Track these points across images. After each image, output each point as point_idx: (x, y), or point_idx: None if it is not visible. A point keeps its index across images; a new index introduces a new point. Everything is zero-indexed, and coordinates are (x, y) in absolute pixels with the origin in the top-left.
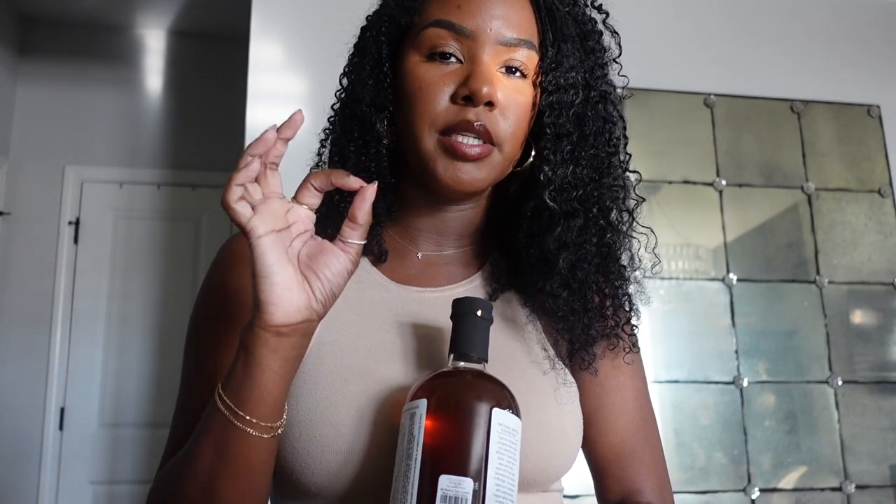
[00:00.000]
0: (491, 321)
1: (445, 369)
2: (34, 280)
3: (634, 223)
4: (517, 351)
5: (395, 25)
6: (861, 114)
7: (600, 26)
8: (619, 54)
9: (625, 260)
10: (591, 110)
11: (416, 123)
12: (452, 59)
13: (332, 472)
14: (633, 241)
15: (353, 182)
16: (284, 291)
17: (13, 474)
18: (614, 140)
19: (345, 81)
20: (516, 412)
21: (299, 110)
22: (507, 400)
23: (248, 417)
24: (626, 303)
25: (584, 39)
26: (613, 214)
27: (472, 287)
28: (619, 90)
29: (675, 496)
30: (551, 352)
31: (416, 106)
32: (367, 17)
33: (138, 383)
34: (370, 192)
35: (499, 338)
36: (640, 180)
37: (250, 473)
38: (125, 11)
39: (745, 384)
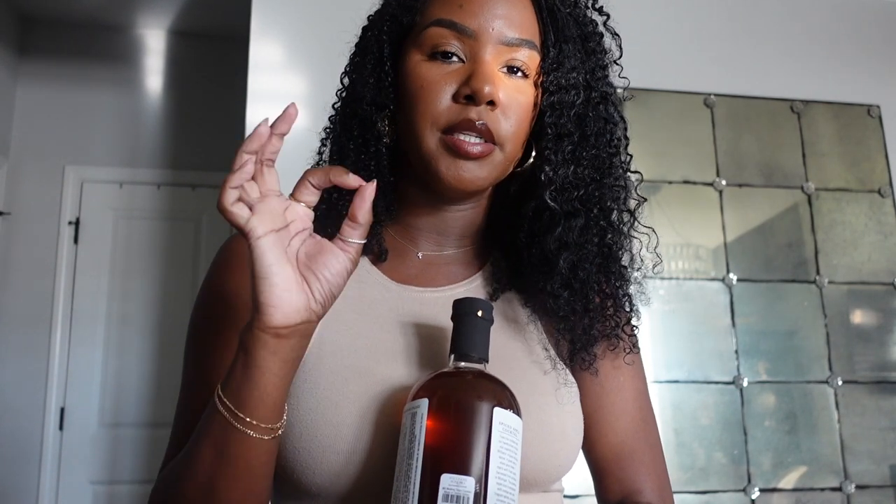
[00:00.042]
0: (492, 321)
1: (446, 369)
2: (34, 280)
3: (636, 223)
4: (518, 351)
5: (396, 24)
6: (861, 114)
7: (601, 28)
8: (620, 56)
9: (625, 260)
10: (592, 111)
11: (417, 122)
12: (454, 59)
13: (333, 473)
14: (635, 241)
15: (352, 180)
16: (283, 293)
17: (13, 474)
18: (615, 141)
19: (346, 80)
20: (517, 412)
21: (292, 104)
22: (508, 399)
23: (247, 419)
24: (627, 303)
25: (585, 41)
26: (614, 215)
27: (473, 287)
28: (620, 91)
29: (675, 496)
30: (552, 352)
31: (417, 105)
32: (368, 17)
33: (138, 383)
34: (369, 191)
35: (499, 338)
36: (641, 181)
37: (251, 475)
38: (125, 11)
39: (745, 384)
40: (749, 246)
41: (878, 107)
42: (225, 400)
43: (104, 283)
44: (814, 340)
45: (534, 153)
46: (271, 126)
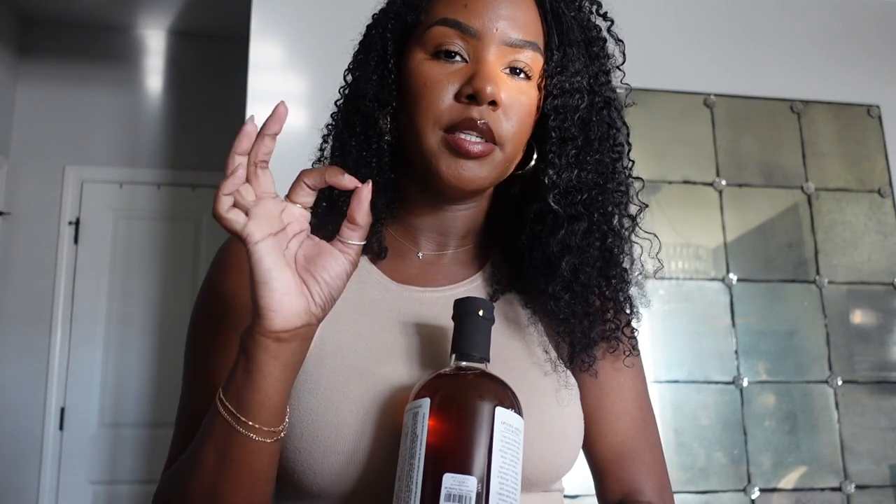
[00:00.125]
0: (493, 321)
1: (447, 369)
2: (34, 280)
3: (637, 228)
4: (518, 352)
5: (401, 23)
6: (861, 114)
7: (604, 33)
8: (623, 62)
9: (626, 263)
10: (595, 115)
11: (419, 120)
12: (457, 58)
13: (334, 473)
14: (636, 246)
15: (347, 181)
16: (283, 297)
17: (13, 474)
18: (618, 146)
19: (349, 77)
20: (519, 411)
21: (281, 102)
22: (509, 399)
23: (249, 423)
24: (627, 306)
25: (588, 45)
26: (616, 219)
27: (473, 287)
28: (622, 94)
29: (675, 496)
30: (553, 354)
31: (420, 103)
32: (373, 15)
33: (138, 383)
34: (365, 192)
35: (500, 338)
36: (643, 186)
37: (253, 478)
38: (125, 11)
39: (745, 384)
40: (749, 246)
41: (878, 107)
42: (227, 403)
43: (104, 283)
44: (814, 340)
45: (535, 156)
46: (262, 127)
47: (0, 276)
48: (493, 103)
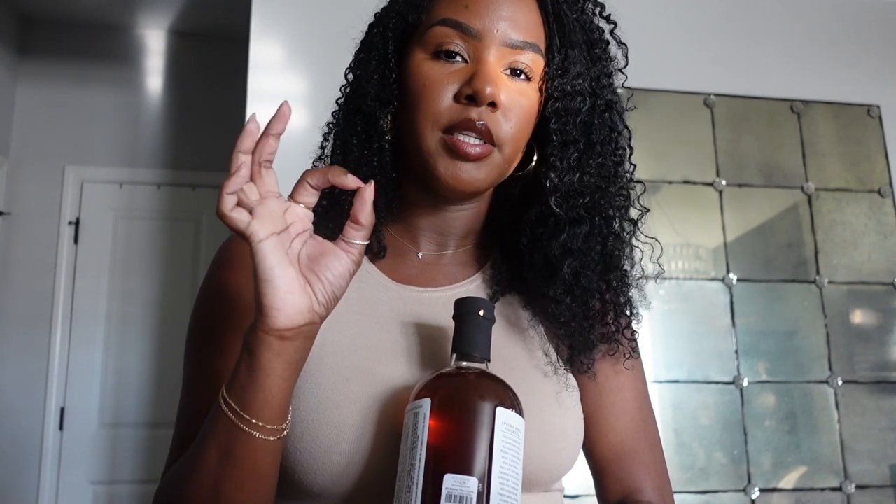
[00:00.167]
0: (493, 321)
1: (448, 369)
2: (34, 280)
3: (638, 232)
4: (519, 352)
5: (402, 22)
6: (861, 114)
7: (607, 35)
8: (626, 65)
9: (627, 266)
10: (597, 118)
11: (418, 120)
12: (458, 59)
13: (335, 473)
14: (636, 249)
15: (350, 181)
16: (287, 295)
17: (13, 474)
18: (620, 150)
19: (350, 76)
20: (520, 411)
21: (285, 102)
22: (510, 399)
23: (253, 420)
24: (627, 308)
25: (591, 47)
26: (617, 222)
27: (473, 287)
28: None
29: (675, 496)
30: (553, 356)
31: (419, 103)
32: (375, 13)
33: (138, 383)
34: (368, 192)
35: (500, 339)
36: (644, 190)
37: (256, 476)
38: (125, 11)
39: (745, 384)
40: (749, 246)
41: (878, 107)
42: (230, 401)
43: (104, 283)
44: (814, 340)
45: (535, 157)
46: (266, 126)
47: (0, 276)
48: (493, 104)
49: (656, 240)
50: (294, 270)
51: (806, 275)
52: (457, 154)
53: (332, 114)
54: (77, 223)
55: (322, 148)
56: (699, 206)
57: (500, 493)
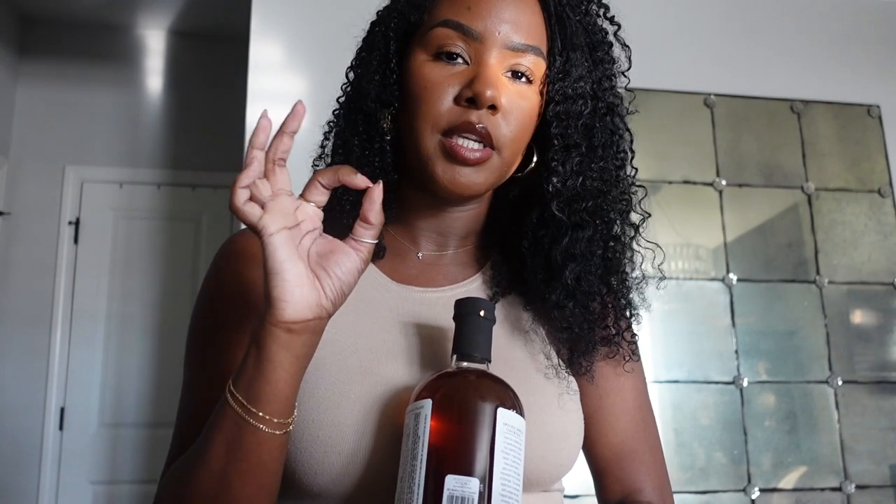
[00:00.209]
0: (494, 321)
1: (449, 370)
2: (34, 280)
3: (639, 237)
4: (519, 353)
5: (404, 22)
6: (861, 114)
7: (610, 37)
8: (629, 67)
9: (627, 269)
10: (598, 122)
11: (418, 122)
12: (459, 60)
13: (335, 474)
14: (637, 253)
15: (360, 181)
16: (295, 288)
17: (13, 474)
18: (621, 153)
19: (351, 75)
20: (520, 412)
21: (300, 101)
22: (511, 400)
23: (259, 413)
24: (628, 310)
25: (593, 49)
26: (618, 226)
27: (473, 288)
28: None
29: (675, 496)
30: (555, 359)
31: (420, 105)
32: (377, 12)
33: (138, 383)
34: (377, 192)
35: (501, 339)
36: (646, 195)
37: (262, 470)
38: (125, 11)
39: (745, 384)
40: (749, 246)
41: (878, 107)
42: (237, 395)
43: (104, 283)
44: (814, 340)
45: (535, 159)
46: (282, 125)
47: (0, 276)
48: (493, 107)
49: (658, 245)
50: (303, 265)
51: (806, 275)
52: (455, 158)
53: (333, 112)
54: (77, 223)
55: (322, 147)
56: (699, 206)
57: (502, 494)
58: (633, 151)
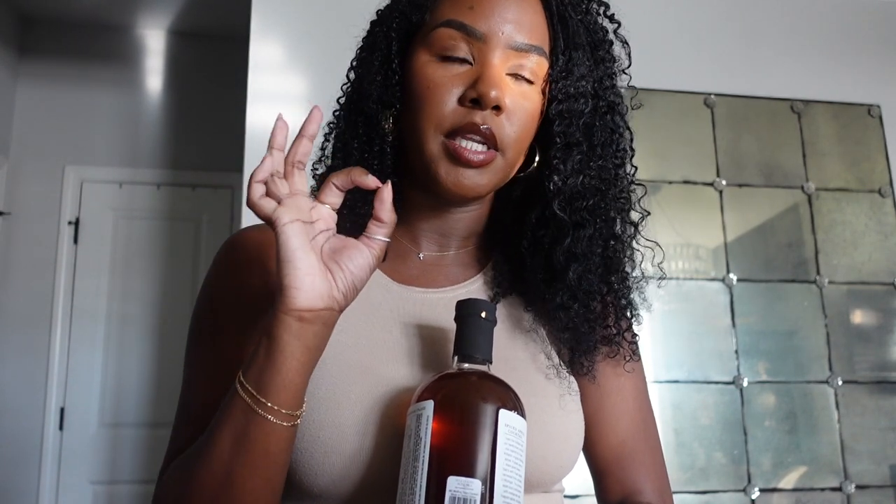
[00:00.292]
0: (495, 322)
1: (450, 371)
2: (34, 280)
3: (638, 235)
4: (520, 354)
5: (405, 22)
6: (861, 114)
7: (611, 36)
8: (629, 65)
9: (627, 268)
10: (599, 120)
11: (421, 124)
12: (462, 61)
13: (336, 475)
14: (637, 252)
15: (371, 181)
16: (307, 276)
17: (13, 474)
18: (621, 152)
19: (352, 76)
20: (522, 413)
21: (316, 106)
22: (512, 401)
23: (268, 404)
24: (628, 310)
25: (594, 48)
26: (618, 225)
27: (474, 288)
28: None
29: (675, 496)
30: (555, 359)
31: (423, 106)
32: (377, 12)
33: (138, 383)
34: (386, 193)
35: (502, 340)
36: (645, 193)
37: (269, 462)
38: (125, 11)
39: (745, 384)
40: (749, 246)
41: (878, 107)
42: (246, 385)
43: (104, 283)
44: (814, 340)
45: (537, 159)
46: (301, 129)
47: (0, 276)
48: (497, 108)
49: (657, 244)
50: (315, 257)
51: (806, 275)
52: (459, 160)
53: (333, 113)
54: (77, 223)
55: (322, 149)
56: (699, 206)
57: (503, 495)
58: (633, 150)
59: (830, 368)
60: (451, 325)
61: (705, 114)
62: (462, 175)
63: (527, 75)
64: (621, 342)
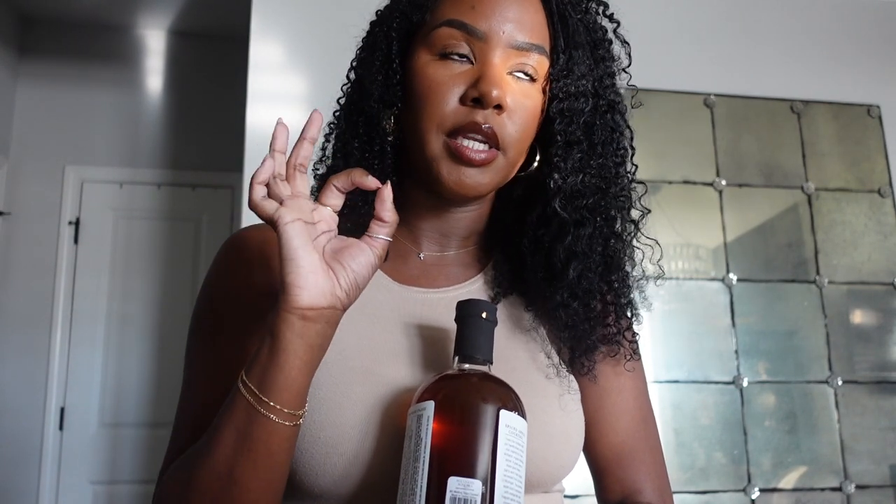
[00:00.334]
0: (496, 323)
1: (451, 371)
2: (34, 280)
3: (639, 233)
4: (521, 354)
5: (406, 22)
6: (861, 114)
7: (610, 35)
8: (629, 64)
9: (628, 267)
10: (599, 119)
11: (423, 123)
12: (463, 60)
13: (337, 475)
14: (637, 250)
15: (371, 182)
16: (310, 274)
17: (13, 474)
18: (621, 150)
19: (352, 76)
20: (522, 414)
21: (316, 110)
22: (513, 402)
23: (271, 403)
24: (629, 309)
25: (594, 47)
26: (618, 223)
27: (475, 288)
28: (627, 96)
29: (675, 496)
30: (555, 358)
31: (425, 105)
32: (376, 12)
33: (138, 383)
34: (386, 193)
35: (502, 340)
36: (646, 191)
37: (271, 462)
38: (125, 11)
39: (745, 384)
40: (749, 246)
41: (878, 107)
42: (249, 384)
43: (104, 283)
44: (814, 340)
45: (538, 158)
46: (302, 132)
47: (0, 276)
48: (499, 107)
49: (657, 242)
50: (318, 256)
51: (806, 275)
52: (461, 159)
53: (333, 113)
54: (77, 223)
55: (323, 149)
56: (699, 206)
57: (504, 496)
58: (633, 148)
59: (830, 368)
60: (452, 326)
61: (705, 114)
62: (464, 174)
63: (528, 74)
64: (621, 341)
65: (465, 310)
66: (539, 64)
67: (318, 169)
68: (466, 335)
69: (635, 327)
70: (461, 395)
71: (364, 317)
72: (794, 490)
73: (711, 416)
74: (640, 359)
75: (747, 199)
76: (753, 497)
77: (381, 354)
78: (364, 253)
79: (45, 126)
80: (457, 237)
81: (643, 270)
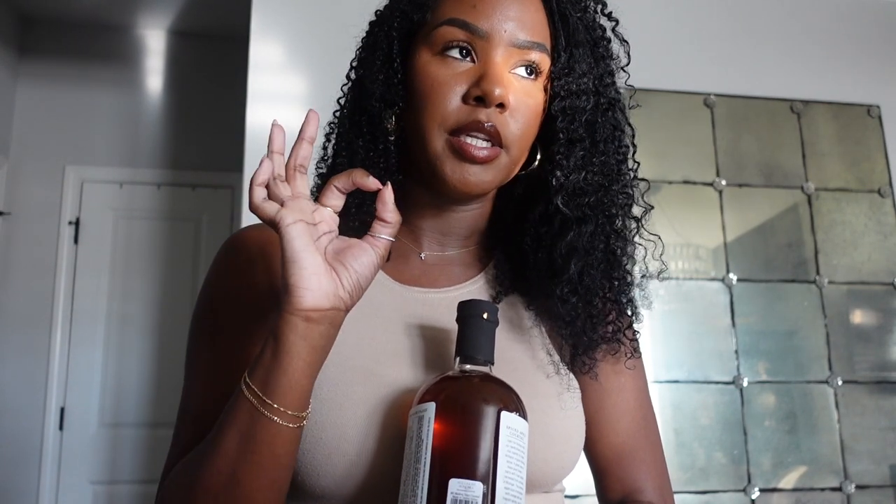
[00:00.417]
0: (497, 323)
1: (452, 372)
2: (34, 280)
3: (641, 230)
4: (522, 353)
5: (407, 21)
6: (861, 114)
7: (609, 33)
8: (628, 63)
9: (629, 265)
10: (601, 117)
11: (425, 122)
12: (465, 59)
13: (338, 476)
14: (639, 247)
15: (372, 182)
16: (312, 276)
17: (13, 474)
18: (623, 148)
19: (353, 76)
20: (523, 415)
21: (312, 110)
22: (514, 403)
23: (274, 405)
24: (629, 308)
25: (594, 46)
26: (620, 221)
27: (476, 288)
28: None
29: (675, 496)
30: (556, 357)
31: (427, 105)
32: (376, 12)
33: (138, 383)
34: (387, 194)
35: (503, 341)
36: (648, 188)
37: (274, 464)
38: (125, 11)
39: (745, 384)
40: (749, 246)
41: (878, 107)
42: (252, 386)
43: (104, 283)
44: (814, 340)
45: (539, 156)
46: (300, 132)
47: (0, 276)
48: (501, 105)
49: (659, 238)
50: (320, 257)
51: (806, 275)
52: (464, 157)
53: (334, 113)
54: (77, 223)
55: (324, 149)
56: (699, 206)
57: (505, 498)
58: (634, 146)
59: (830, 368)
60: (454, 326)
61: (705, 114)
62: (467, 171)
63: (529, 73)
64: (622, 339)
65: (467, 310)
66: (540, 62)
67: (320, 168)
68: (468, 336)
69: (635, 326)
70: (462, 397)
71: (365, 317)
72: (794, 490)
73: (711, 416)
74: (640, 357)
75: (747, 199)
76: (753, 497)
77: (383, 355)
78: (366, 253)
79: (45, 126)
80: (458, 236)
81: (645, 267)
